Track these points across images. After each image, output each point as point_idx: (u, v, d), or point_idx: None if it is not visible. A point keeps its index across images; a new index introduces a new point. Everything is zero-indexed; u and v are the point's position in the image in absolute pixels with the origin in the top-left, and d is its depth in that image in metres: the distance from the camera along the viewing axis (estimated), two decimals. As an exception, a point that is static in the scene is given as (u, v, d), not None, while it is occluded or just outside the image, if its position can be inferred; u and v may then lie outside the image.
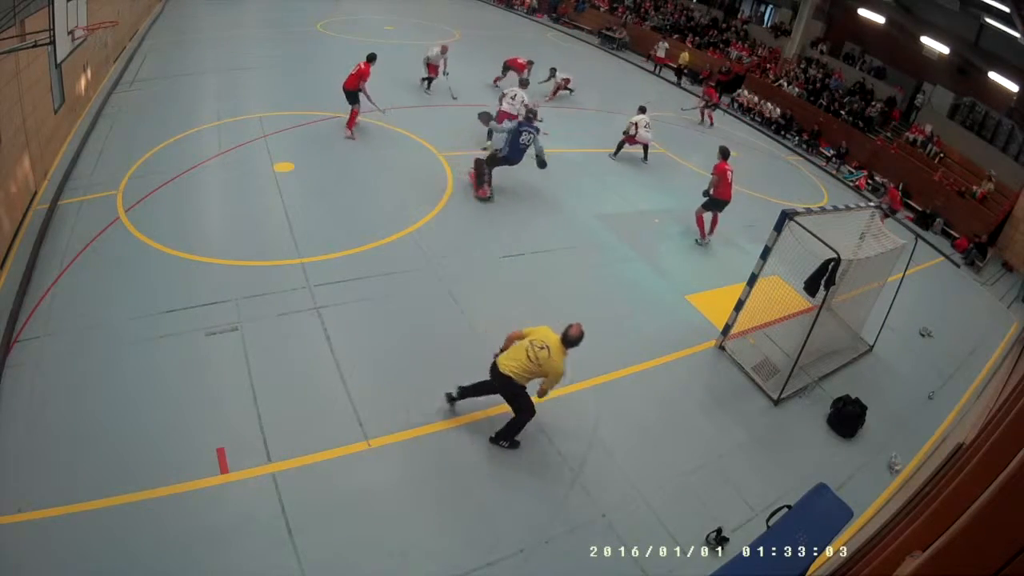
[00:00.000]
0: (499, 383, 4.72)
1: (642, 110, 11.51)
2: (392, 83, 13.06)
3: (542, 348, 4.57)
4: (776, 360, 6.69)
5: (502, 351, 4.82)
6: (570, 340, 4.57)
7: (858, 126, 15.72)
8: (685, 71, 19.26)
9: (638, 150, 11.61)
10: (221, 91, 11.23)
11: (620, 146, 11.46)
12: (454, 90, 12.72)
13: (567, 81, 14.45)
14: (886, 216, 12.64)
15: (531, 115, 8.76)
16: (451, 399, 5.14)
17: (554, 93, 14.26)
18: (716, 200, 8.76)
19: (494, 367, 4.73)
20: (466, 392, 5.04)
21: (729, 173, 8.69)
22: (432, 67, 12.81)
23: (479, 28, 20.64)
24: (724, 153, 8.85)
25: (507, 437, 4.95)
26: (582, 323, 4.64)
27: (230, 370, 5.24)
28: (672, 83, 18.93)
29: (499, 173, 8.87)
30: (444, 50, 12.70)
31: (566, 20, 24.48)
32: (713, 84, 17.22)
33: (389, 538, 4.18)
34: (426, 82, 12.95)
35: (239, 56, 13.41)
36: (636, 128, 11.18)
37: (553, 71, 14.34)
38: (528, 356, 4.58)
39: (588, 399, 5.64)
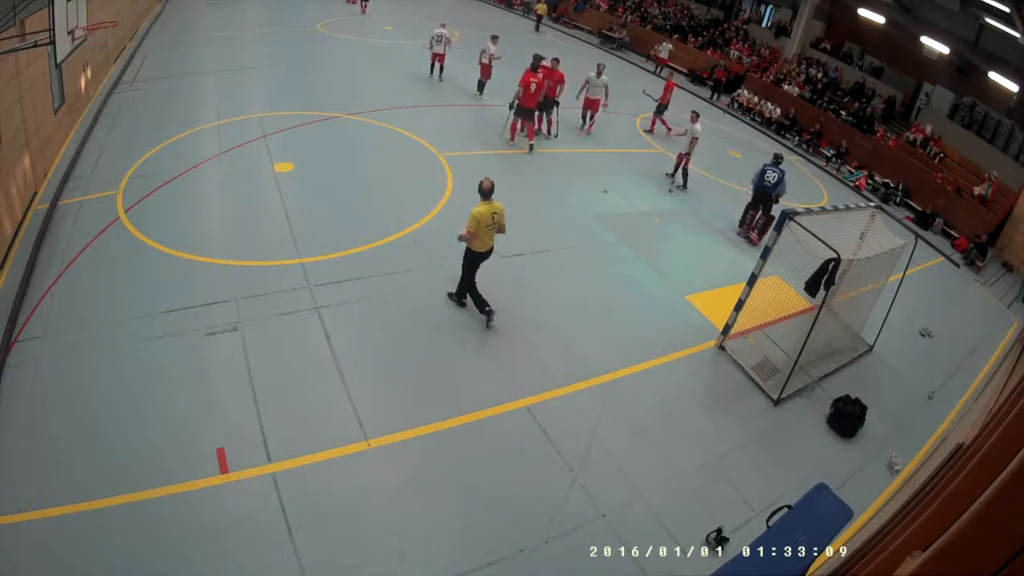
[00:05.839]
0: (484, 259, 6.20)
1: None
2: (392, 83, 13.08)
3: (497, 213, 5.95)
4: (776, 360, 6.69)
5: (473, 235, 5.89)
6: (485, 192, 5.88)
7: (859, 126, 15.70)
8: (540, 17, 22.25)
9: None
10: (221, 91, 11.23)
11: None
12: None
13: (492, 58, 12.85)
14: (657, 116, 13.04)
15: (778, 158, 9.54)
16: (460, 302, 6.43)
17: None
18: (521, 107, 10.42)
19: (480, 253, 6.08)
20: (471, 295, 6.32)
21: (533, 84, 10.01)
22: (438, 55, 13.22)
23: (479, 28, 20.59)
24: (533, 64, 10.18)
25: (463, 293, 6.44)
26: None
27: (230, 370, 5.24)
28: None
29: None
30: (444, 27, 13.21)
31: (565, 20, 24.47)
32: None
33: (389, 538, 4.18)
34: (435, 69, 13.50)
35: (239, 56, 13.41)
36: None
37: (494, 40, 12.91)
38: (495, 223, 5.99)
39: (588, 399, 5.64)
